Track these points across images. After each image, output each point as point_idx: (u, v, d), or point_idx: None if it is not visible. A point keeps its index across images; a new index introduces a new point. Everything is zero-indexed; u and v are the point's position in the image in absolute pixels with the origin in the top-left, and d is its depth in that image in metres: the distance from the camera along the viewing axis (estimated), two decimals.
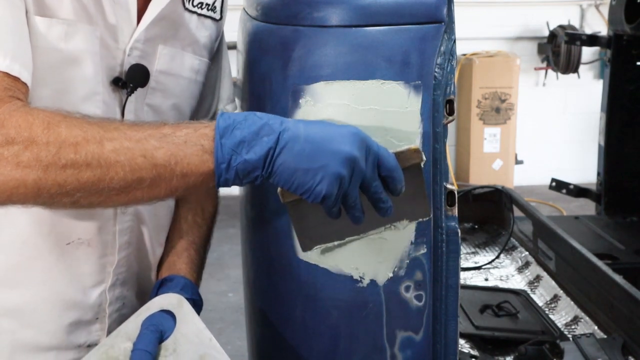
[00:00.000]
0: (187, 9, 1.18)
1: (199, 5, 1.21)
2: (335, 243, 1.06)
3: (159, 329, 1.04)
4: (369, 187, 0.96)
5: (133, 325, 1.06)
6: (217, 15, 1.25)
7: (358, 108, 1.04)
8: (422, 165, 1.01)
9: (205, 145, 0.92)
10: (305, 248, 1.06)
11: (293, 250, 1.10)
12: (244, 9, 1.26)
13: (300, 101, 1.05)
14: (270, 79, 1.09)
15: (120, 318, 1.18)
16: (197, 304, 1.16)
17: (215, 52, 1.29)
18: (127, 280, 1.19)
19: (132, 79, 1.11)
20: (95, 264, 1.14)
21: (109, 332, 1.15)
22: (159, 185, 0.92)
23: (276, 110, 1.07)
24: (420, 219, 1.06)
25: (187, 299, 1.10)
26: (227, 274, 4.45)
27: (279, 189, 0.98)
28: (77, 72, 1.05)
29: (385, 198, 0.97)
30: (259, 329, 1.26)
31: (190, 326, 1.05)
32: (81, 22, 1.04)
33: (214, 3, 1.24)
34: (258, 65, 1.12)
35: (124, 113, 1.12)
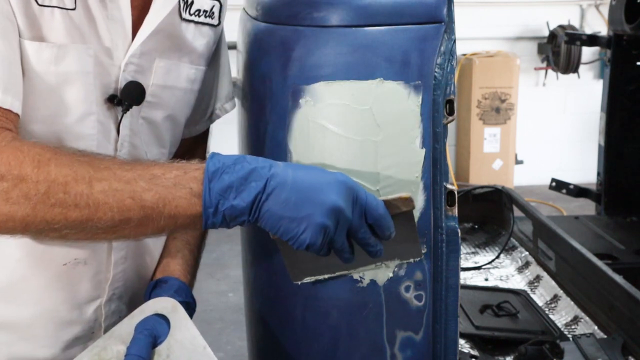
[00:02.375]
0: (183, 19, 1.16)
1: (196, 13, 1.18)
2: (326, 276, 1.07)
3: (153, 334, 1.04)
4: (356, 235, 0.97)
5: (127, 327, 1.05)
6: (215, 21, 1.22)
7: (358, 108, 1.04)
8: (413, 212, 1.02)
9: (194, 188, 0.93)
10: (295, 279, 1.07)
11: None
12: (244, 9, 1.26)
13: (300, 101, 1.05)
14: (270, 79, 1.08)
15: None
16: (191, 307, 1.16)
17: (213, 54, 1.27)
18: (123, 294, 1.19)
19: (127, 97, 1.09)
20: (91, 281, 1.13)
21: None
22: (147, 225, 0.93)
23: (276, 110, 1.07)
24: (412, 260, 1.07)
25: (181, 302, 1.10)
26: (227, 274, 4.45)
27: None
28: (70, 94, 1.04)
29: (374, 243, 0.99)
30: (259, 329, 1.26)
31: (184, 332, 1.05)
32: (74, 42, 1.02)
33: (211, 9, 1.21)
34: (258, 65, 1.12)
35: (119, 129, 1.11)
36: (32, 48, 0.99)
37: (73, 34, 1.02)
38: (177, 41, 1.16)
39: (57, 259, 1.09)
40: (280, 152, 1.07)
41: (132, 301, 1.21)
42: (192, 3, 1.16)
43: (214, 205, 0.92)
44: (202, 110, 1.30)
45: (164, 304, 1.08)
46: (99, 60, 1.06)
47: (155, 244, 1.23)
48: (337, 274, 1.07)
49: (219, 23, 1.24)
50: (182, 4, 1.15)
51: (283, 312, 1.15)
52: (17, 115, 0.97)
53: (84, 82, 1.04)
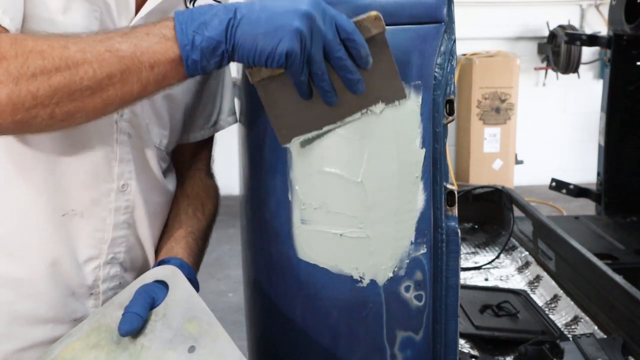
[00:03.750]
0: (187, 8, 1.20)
1: None
2: (314, 134, 1.05)
3: (151, 296, 1.06)
4: (332, 52, 0.96)
5: (126, 294, 1.08)
6: None
7: None
8: (385, 36, 0.99)
9: (167, 33, 0.96)
10: (284, 140, 1.05)
11: (293, 250, 1.10)
12: None
13: None
14: None
15: None
16: (193, 285, 1.17)
17: None
18: (126, 261, 1.20)
19: None
20: (89, 238, 1.15)
21: None
22: (130, 79, 0.95)
23: None
24: (397, 101, 1.03)
25: None
26: (227, 274, 4.45)
27: (247, 70, 0.99)
28: None
29: (353, 68, 0.98)
30: (259, 329, 1.26)
31: (180, 292, 1.07)
32: None
33: None
34: None
35: None
36: None
37: None
38: None
39: (57, 209, 1.11)
40: (280, 151, 1.08)
41: (136, 272, 1.23)
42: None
43: (190, 41, 0.95)
44: (206, 116, 1.31)
45: (164, 272, 1.10)
46: (104, 24, 1.09)
47: (153, 218, 1.24)
48: (325, 129, 1.04)
49: None
50: None
51: (283, 312, 1.15)
52: None
53: None
